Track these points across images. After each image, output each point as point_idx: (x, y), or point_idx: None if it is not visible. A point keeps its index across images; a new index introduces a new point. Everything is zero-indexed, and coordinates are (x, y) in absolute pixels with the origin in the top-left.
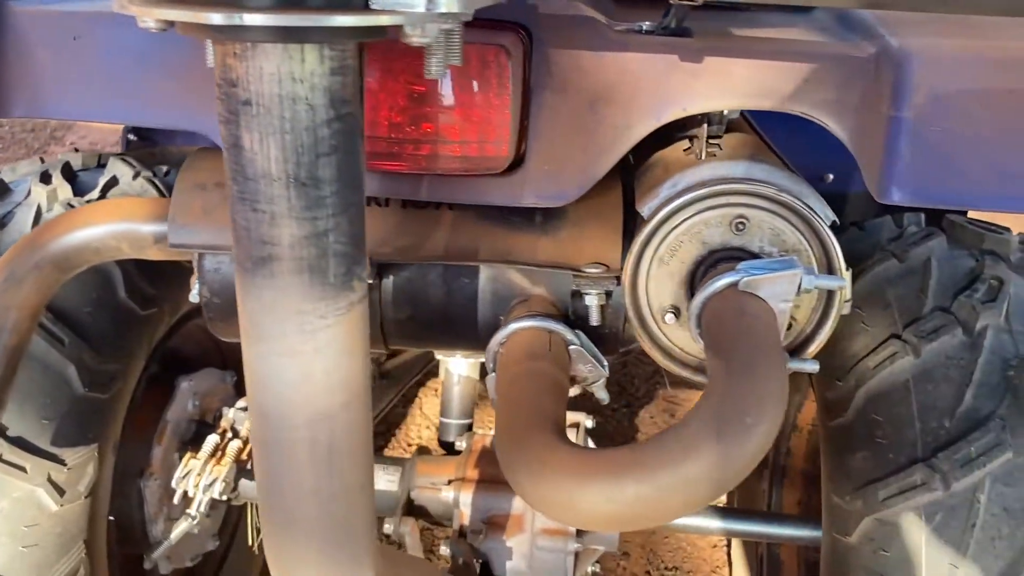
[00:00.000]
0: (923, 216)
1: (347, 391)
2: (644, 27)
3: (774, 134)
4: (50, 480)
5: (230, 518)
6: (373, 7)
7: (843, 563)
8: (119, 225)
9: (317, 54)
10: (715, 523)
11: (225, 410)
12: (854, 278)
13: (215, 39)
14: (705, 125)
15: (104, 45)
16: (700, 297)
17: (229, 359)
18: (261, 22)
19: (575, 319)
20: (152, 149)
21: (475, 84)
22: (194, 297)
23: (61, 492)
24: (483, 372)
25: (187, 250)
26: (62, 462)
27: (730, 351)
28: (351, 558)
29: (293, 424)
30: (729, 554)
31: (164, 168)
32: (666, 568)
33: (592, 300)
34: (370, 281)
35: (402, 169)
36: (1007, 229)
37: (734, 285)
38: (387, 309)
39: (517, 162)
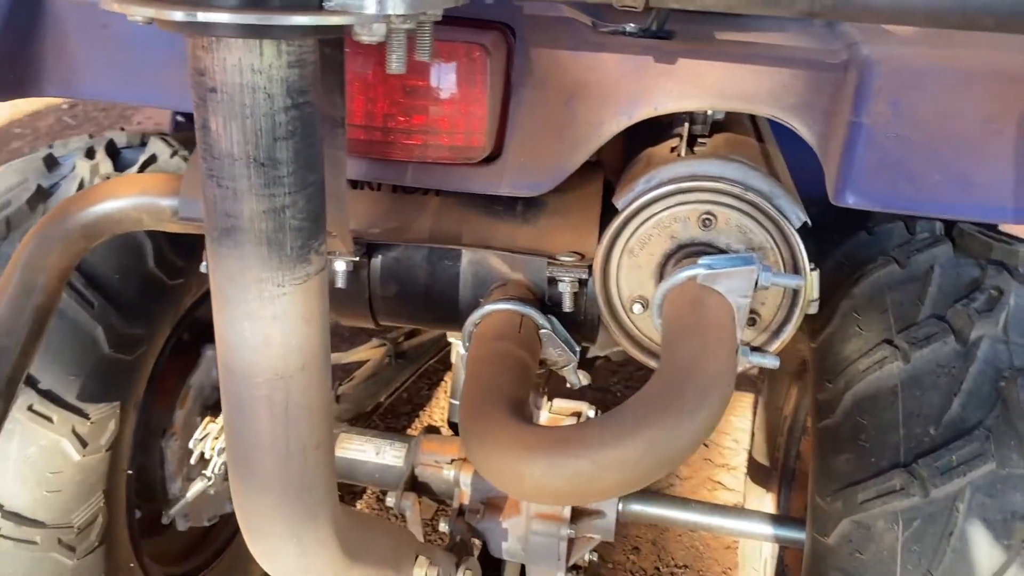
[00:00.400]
0: (939, 224)
1: (303, 355)
2: (628, 28)
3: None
4: (74, 432)
5: None
6: (326, 8)
7: (821, 563)
8: (140, 198)
9: (275, 49)
10: (713, 520)
11: None
12: (855, 282)
13: (186, 33)
14: (687, 124)
15: (127, 33)
16: (661, 288)
17: None
18: (219, 20)
19: (550, 305)
20: None
21: (455, 79)
22: (204, 268)
23: (84, 444)
24: None
25: (195, 223)
26: (86, 416)
27: (679, 340)
28: (307, 510)
29: (254, 383)
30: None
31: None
32: (676, 566)
33: (565, 287)
34: (356, 259)
35: (389, 155)
36: (1020, 240)
37: (693, 278)
38: (375, 286)
39: (496, 153)
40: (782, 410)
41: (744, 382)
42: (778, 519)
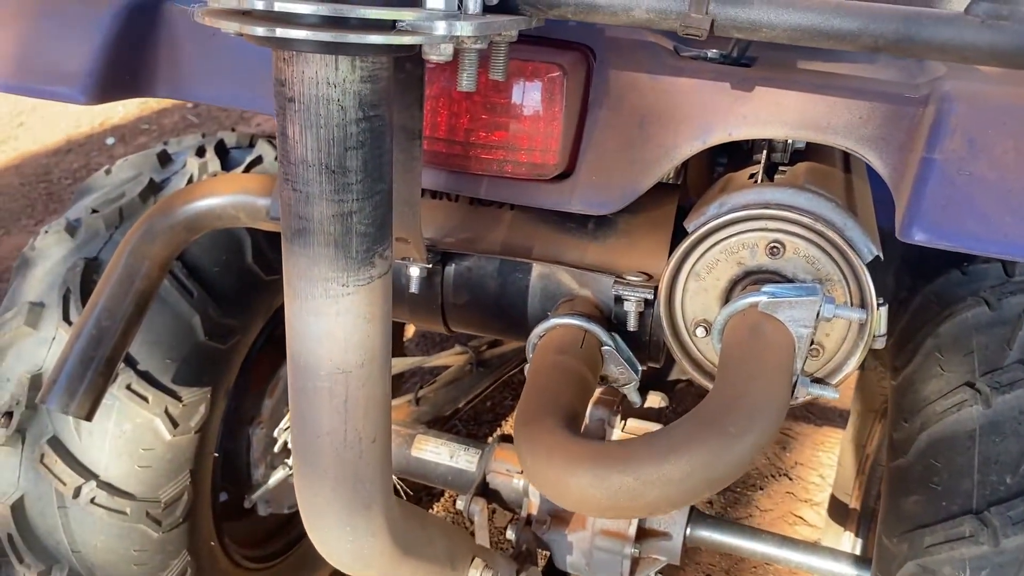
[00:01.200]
0: None
1: (363, 352)
2: (709, 54)
3: None
4: (167, 412)
5: None
6: (398, 28)
7: None
8: (238, 196)
9: (349, 64)
10: (780, 552)
11: None
12: (942, 321)
13: (271, 47)
14: (765, 151)
15: (233, 41)
16: (724, 313)
17: None
18: (299, 36)
19: (615, 323)
20: None
21: (534, 98)
22: None
23: (175, 424)
24: None
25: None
26: (178, 398)
27: (734, 364)
28: (360, 500)
29: (317, 375)
30: None
31: None
32: None
33: (631, 306)
34: (430, 266)
35: (465, 168)
36: None
37: (755, 305)
38: (447, 294)
39: (569, 171)
40: (864, 447)
41: (835, 417)
42: (848, 557)
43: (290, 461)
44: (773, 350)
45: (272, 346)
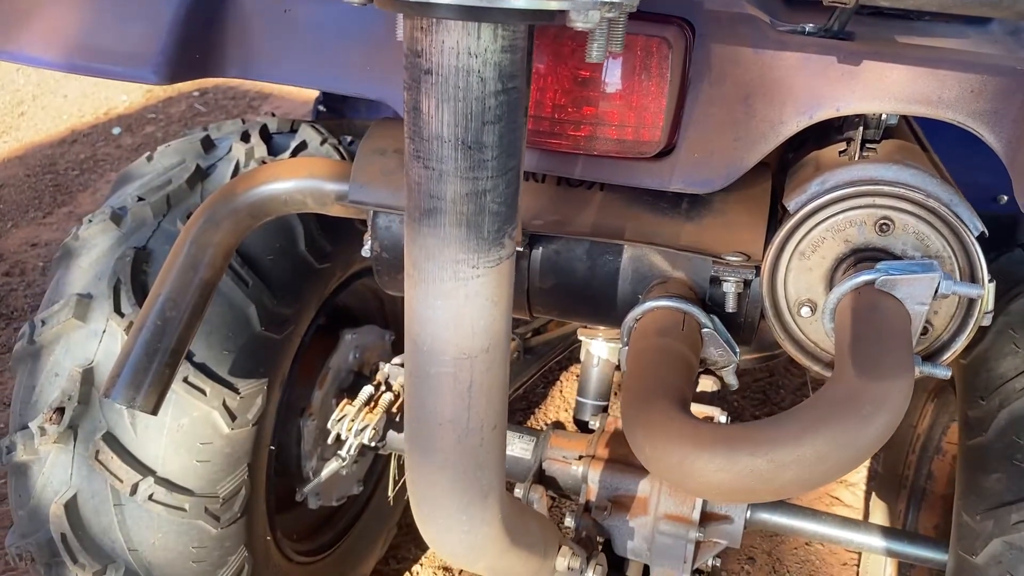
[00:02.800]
0: None
1: (489, 337)
2: (807, 28)
3: (950, 151)
4: (224, 405)
5: (375, 468)
6: None
7: None
8: (306, 181)
9: (491, 32)
10: (845, 534)
11: (381, 365)
12: (1012, 299)
13: (407, 14)
14: (861, 127)
15: (309, 18)
16: (837, 291)
17: (390, 319)
18: (443, 0)
19: (711, 304)
20: (339, 120)
21: (636, 72)
22: (366, 252)
23: (233, 417)
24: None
25: (363, 207)
26: (236, 390)
27: (857, 344)
28: (479, 489)
29: (441, 360)
30: (857, 574)
31: (348, 138)
32: None
33: (730, 287)
34: (520, 249)
35: (561, 148)
36: None
37: (871, 283)
38: (534, 278)
39: (668, 148)
40: (915, 427)
41: None
42: (912, 536)
43: (343, 452)
44: (894, 328)
45: (322, 335)
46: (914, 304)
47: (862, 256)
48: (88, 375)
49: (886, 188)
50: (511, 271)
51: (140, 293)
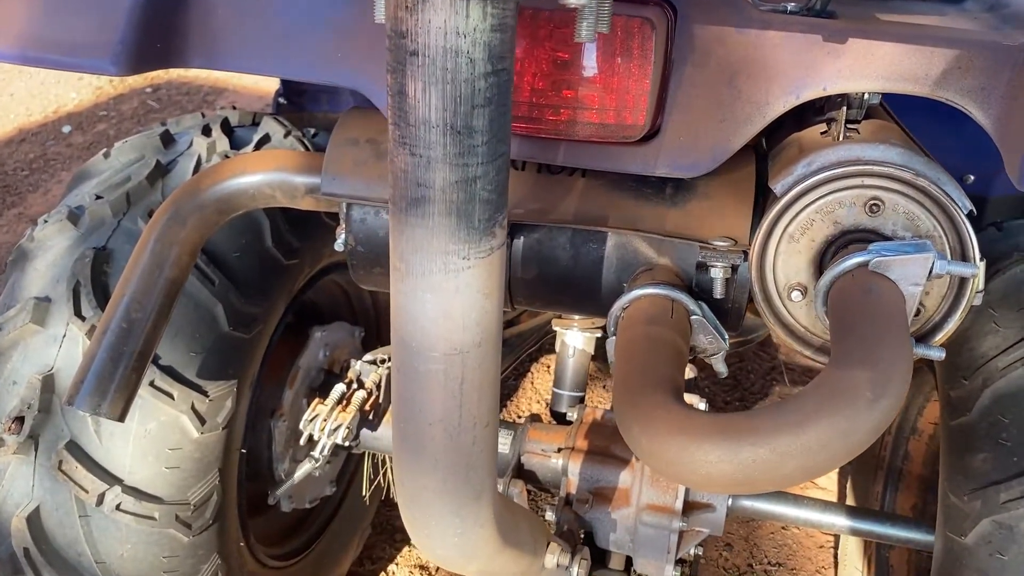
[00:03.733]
0: None
1: (481, 330)
2: (789, 7)
3: (916, 132)
4: (193, 408)
5: (347, 467)
6: None
7: (956, 563)
8: (274, 175)
9: (480, 11)
10: (827, 518)
11: (353, 362)
12: (989, 278)
13: None
14: (844, 107)
15: (276, 3)
16: (829, 275)
17: (359, 315)
18: None
19: (698, 291)
20: (300, 113)
21: (618, 54)
22: (339, 246)
23: (202, 421)
24: (600, 344)
25: (337, 199)
26: (204, 393)
27: (854, 327)
28: (472, 490)
29: (430, 356)
30: (835, 556)
31: (311, 130)
32: (769, 563)
33: (717, 273)
34: None
35: (541, 133)
36: None
37: (864, 265)
38: (515, 268)
39: (652, 132)
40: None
41: None
42: (895, 518)
43: (316, 453)
44: (891, 311)
45: (290, 333)
46: (908, 285)
47: (852, 238)
48: (48, 382)
49: (876, 168)
50: (502, 261)
51: (101, 295)
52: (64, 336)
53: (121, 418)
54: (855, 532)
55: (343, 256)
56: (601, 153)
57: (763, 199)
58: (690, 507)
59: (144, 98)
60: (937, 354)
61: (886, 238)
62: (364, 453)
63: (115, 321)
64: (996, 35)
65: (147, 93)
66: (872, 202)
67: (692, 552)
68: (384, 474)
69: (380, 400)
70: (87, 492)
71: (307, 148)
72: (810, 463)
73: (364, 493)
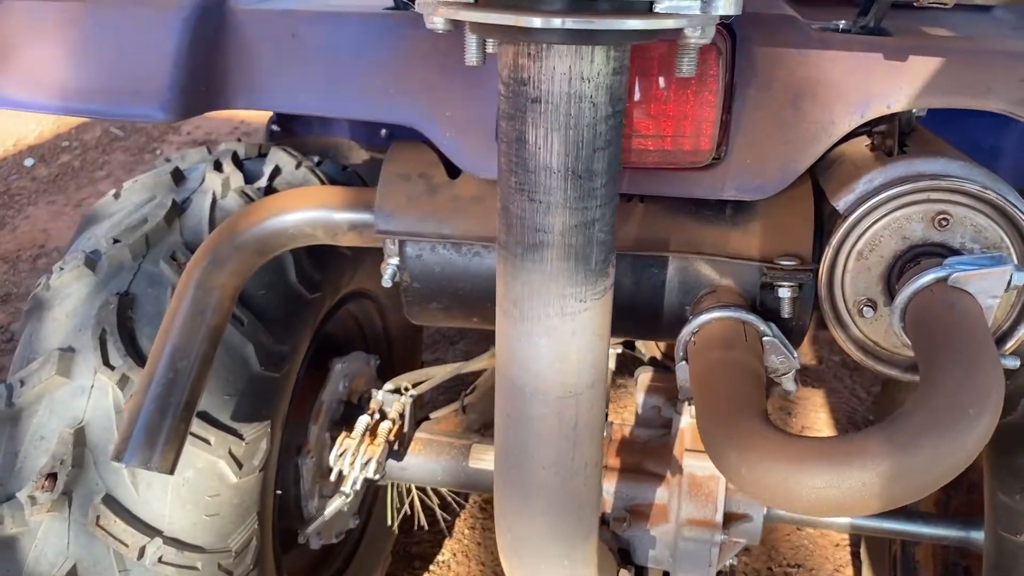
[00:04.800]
0: None
1: (594, 371)
2: (841, 26)
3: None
4: (230, 453)
5: (367, 498)
6: (657, 11)
7: (1012, 560)
8: (315, 212)
9: (604, 55)
10: (862, 520)
11: (374, 392)
12: None
13: (511, 41)
14: (896, 122)
15: (319, 41)
16: (907, 291)
17: (371, 343)
18: (568, 25)
19: (763, 311)
20: (294, 139)
21: (687, 81)
22: (387, 282)
23: (240, 465)
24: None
25: (392, 236)
26: (240, 436)
27: (945, 344)
28: (582, 531)
29: (544, 400)
30: (855, 554)
31: (315, 158)
32: (788, 565)
33: (785, 293)
34: None
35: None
36: None
37: (943, 280)
38: None
39: (717, 156)
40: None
41: (829, 379)
42: (938, 519)
43: (346, 488)
44: (976, 326)
45: (312, 368)
46: (987, 298)
47: (920, 251)
48: (80, 435)
49: (942, 182)
50: (611, 300)
51: (129, 342)
52: (92, 387)
53: (172, 471)
54: (897, 533)
55: (357, 286)
56: (668, 179)
57: (824, 216)
58: (728, 518)
59: (107, 126)
60: (1012, 363)
61: (954, 251)
62: (388, 484)
63: (160, 371)
64: None
65: (110, 122)
66: (941, 216)
67: (727, 563)
68: (410, 503)
69: (405, 429)
70: (127, 546)
71: (319, 177)
72: (918, 484)
73: (391, 523)
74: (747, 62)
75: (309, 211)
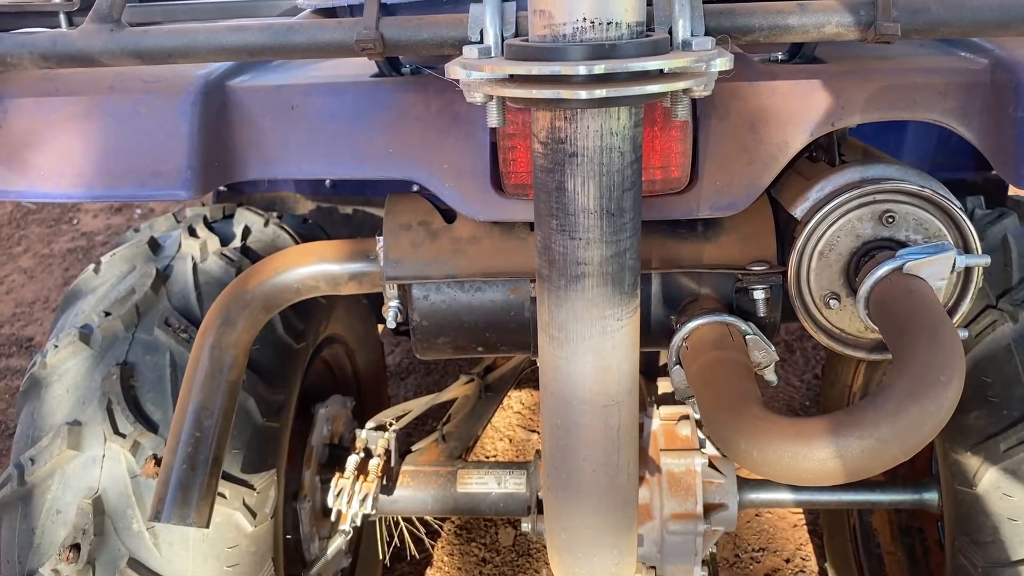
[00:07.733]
0: (983, 199)
1: (631, 380)
2: (779, 57)
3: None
4: (244, 504)
5: (354, 535)
6: (669, 73)
7: (971, 511)
8: (317, 267)
9: (628, 112)
10: (826, 496)
11: (359, 432)
12: None
13: (550, 108)
14: (834, 136)
15: (318, 109)
16: (868, 283)
17: (342, 386)
18: (604, 95)
19: (740, 312)
20: (240, 196)
21: (664, 120)
22: (391, 323)
23: (254, 514)
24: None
25: (402, 282)
26: (252, 487)
27: (910, 324)
28: (626, 523)
29: (592, 409)
30: (812, 531)
31: (275, 214)
32: (754, 550)
33: (759, 294)
34: None
35: None
36: None
37: (898, 269)
38: None
39: (691, 180)
40: (850, 387)
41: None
42: (892, 485)
43: (345, 526)
44: (932, 305)
45: (298, 416)
46: (936, 281)
47: (872, 247)
48: (98, 504)
49: (885, 185)
50: (639, 315)
51: (135, 410)
52: (104, 456)
53: (207, 524)
54: (859, 504)
55: (331, 332)
56: (649, 204)
57: (782, 223)
58: (707, 509)
59: (16, 202)
60: (963, 333)
61: (902, 244)
62: (377, 519)
63: (187, 431)
64: (964, 62)
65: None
66: (887, 214)
67: (708, 552)
68: (398, 535)
69: (392, 464)
70: None
71: (290, 233)
72: (907, 444)
73: (382, 557)
74: (707, 97)
75: (312, 266)
